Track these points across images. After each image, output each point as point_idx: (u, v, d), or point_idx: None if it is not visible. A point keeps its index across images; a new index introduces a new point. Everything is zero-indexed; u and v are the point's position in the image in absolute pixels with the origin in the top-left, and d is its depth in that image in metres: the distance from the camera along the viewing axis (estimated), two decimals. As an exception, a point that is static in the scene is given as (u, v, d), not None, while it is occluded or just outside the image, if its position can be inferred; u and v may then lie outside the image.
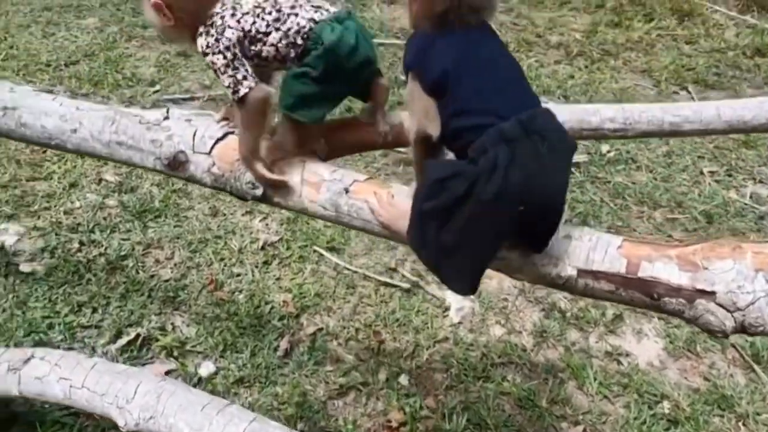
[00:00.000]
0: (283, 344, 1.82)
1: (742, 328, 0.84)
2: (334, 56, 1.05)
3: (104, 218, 2.18)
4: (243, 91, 1.05)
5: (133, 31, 3.26)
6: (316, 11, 1.08)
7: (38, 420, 1.51)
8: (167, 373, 1.69)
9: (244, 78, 1.06)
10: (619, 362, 1.83)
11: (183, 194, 2.30)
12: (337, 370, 1.74)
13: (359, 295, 2.01)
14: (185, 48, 2.84)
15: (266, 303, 1.94)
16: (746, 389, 1.76)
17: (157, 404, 1.08)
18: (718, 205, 2.48)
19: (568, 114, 1.12)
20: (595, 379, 1.76)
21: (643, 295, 0.86)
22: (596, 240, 0.90)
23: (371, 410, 1.66)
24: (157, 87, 2.86)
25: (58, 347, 1.75)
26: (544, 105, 0.96)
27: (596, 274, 0.87)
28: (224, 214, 2.26)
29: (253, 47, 1.08)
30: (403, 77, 1.18)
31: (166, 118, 1.12)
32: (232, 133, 1.10)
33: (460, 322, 1.94)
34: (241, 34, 1.07)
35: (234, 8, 1.08)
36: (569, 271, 0.88)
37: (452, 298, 2.00)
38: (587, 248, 0.89)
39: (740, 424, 1.68)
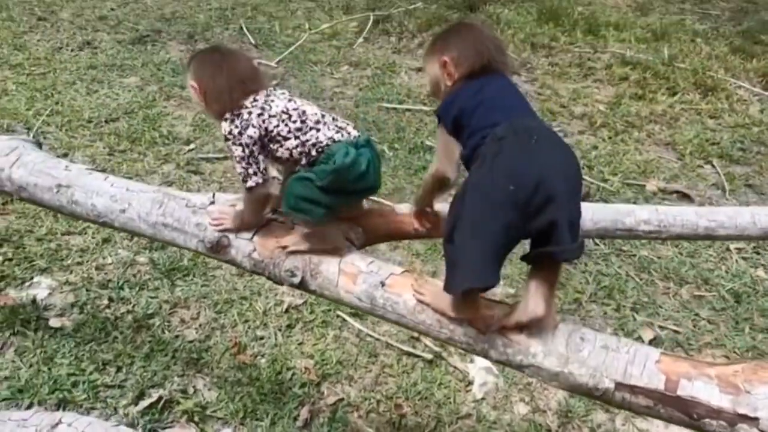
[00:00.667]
0: (304, 413, 1.80)
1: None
2: (342, 177, 1.12)
3: (134, 275, 2.22)
4: (250, 183, 1.15)
5: (171, 90, 3.40)
6: (337, 132, 1.15)
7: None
8: (188, 439, 1.69)
9: (255, 173, 1.14)
10: (647, 449, 1.78)
11: (189, 251, 2.35)
12: (357, 444, 1.72)
13: (381, 364, 2.00)
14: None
15: (288, 369, 1.94)
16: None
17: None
18: (746, 284, 2.45)
19: (602, 214, 1.14)
20: (622, 467, 1.71)
21: (682, 414, 0.85)
22: (634, 352, 0.90)
23: (391, 489, 1.62)
24: (192, 146, 2.96)
25: (81, 406, 1.76)
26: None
27: (634, 389, 0.87)
28: (251, 275, 2.29)
29: (270, 145, 1.15)
30: (428, 142, 1.30)
31: (212, 202, 1.17)
32: (275, 220, 1.14)
33: (483, 398, 1.92)
34: (263, 133, 1.14)
35: (263, 108, 1.15)
36: (606, 383, 0.88)
37: (476, 373, 1.97)
38: (625, 361, 0.89)
39: None
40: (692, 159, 3.22)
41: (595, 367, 0.89)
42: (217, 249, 1.11)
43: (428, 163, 2.64)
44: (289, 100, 1.18)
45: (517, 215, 0.97)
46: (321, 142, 1.13)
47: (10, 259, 2.23)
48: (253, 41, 4.07)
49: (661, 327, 2.24)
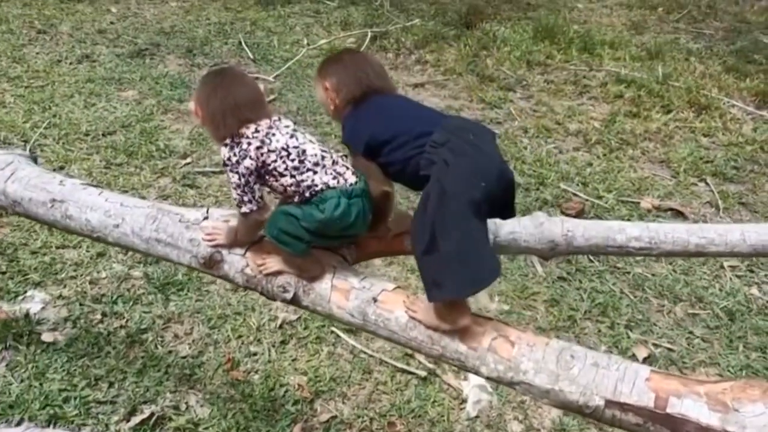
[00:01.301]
0: (296, 431, 1.79)
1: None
2: (329, 227, 1.12)
3: (128, 290, 2.21)
4: (244, 210, 1.16)
5: (169, 104, 3.42)
6: (334, 178, 1.14)
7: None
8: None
9: (249, 201, 1.15)
10: (641, 469, 1.77)
11: (182, 266, 2.34)
12: (350, 463, 1.71)
13: (375, 381, 1.99)
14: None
15: (281, 385, 1.93)
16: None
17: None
18: (740, 302, 2.46)
19: (594, 230, 1.15)
20: (616, 487, 1.70)
21: (671, 432, 0.85)
22: (624, 370, 0.91)
23: None
24: (189, 159, 2.97)
25: (72, 422, 1.75)
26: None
27: (624, 406, 0.87)
28: (245, 290, 2.28)
29: (266, 176, 1.16)
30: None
31: (206, 218, 1.17)
32: (265, 236, 1.14)
33: (477, 416, 1.91)
34: (260, 165, 1.14)
35: (263, 142, 1.14)
36: (597, 401, 0.88)
37: (470, 390, 1.97)
38: (615, 378, 0.89)
39: None
40: (686, 177, 3.25)
41: (585, 384, 0.89)
42: (210, 264, 1.11)
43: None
44: (291, 136, 1.16)
45: (488, 206, 1.07)
46: (316, 186, 1.12)
47: (4, 272, 2.23)
48: (251, 56, 4.11)
49: (655, 345, 2.24)
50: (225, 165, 1.15)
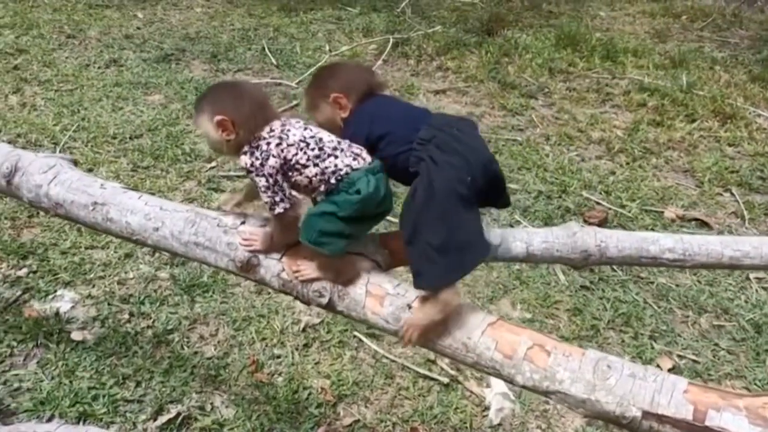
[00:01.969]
0: (320, 434, 1.81)
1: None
2: (367, 206, 1.15)
3: (155, 290, 2.25)
4: (278, 210, 1.16)
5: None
6: (354, 159, 1.17)
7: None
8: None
9: (282, 200, 1.16)
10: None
11: (218, 269, 2.37)
12: (374, 467, 1.72)
13: (397, 386, 2.00)
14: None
15: (304, 388, 1.95)
16: None
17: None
18: (767, 315, 2.43)
19: (627, 241, 1.15)
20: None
21: (710, 445, 0.85)
22: (661, 381, 0.90)
23: None
24: (213, 163, 3.01)
25: (101, 420, 1.78)
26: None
27: (661, 418, 0.87)
28: (268, 293, 2.31)
29: (289, 173, 1.17)
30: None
31: (243, 222, 1.20)
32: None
33: (499, 424, 1.91)
34: (283, 162, 1.16)
35: (281, 138, 1.17)
36: (634, 411, 0.88)
37: (492, 398, 1.97)
38: (652, 389, 0.89)
39: None
40: (711, 186, 3.21)
41: (622, 395, 0.89)
42: (247, 268, 1.13)
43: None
44: (305, 129, 1.19)
45: (478, 196, 1.13)
46: (340, 170, 1.14)
47: (35, 272, 2.28)
48: (274, 62, 4.15)
49: (679, 356, 2.22)
50: (249, 172, 1.16)
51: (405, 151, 1.15)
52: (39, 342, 1.99)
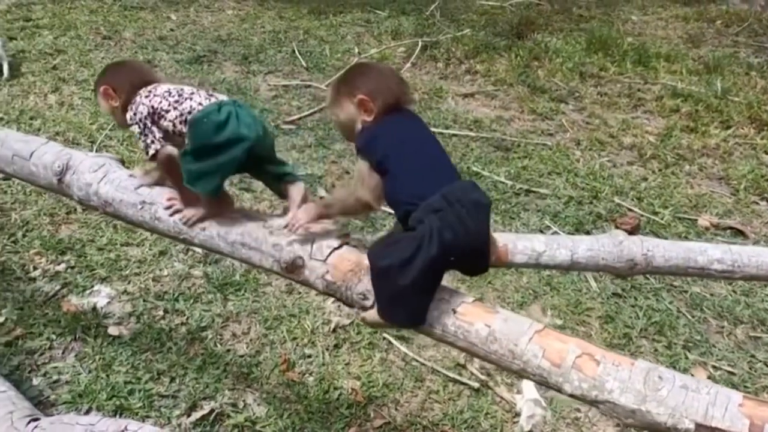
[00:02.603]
0: (351, 435, 1.81)
1: None
2: (199, 130, 1.25)
3: (189, 288, 2.28)
4: (151, 151, 1.32)
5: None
6: (206, 98, 1.31)
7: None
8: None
9: (152, 142, 1.32)
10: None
11: (262, 269, 2.40)
12: (404, 470, 1.72)
13: (427, 389, 2.00)
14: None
15: (335, 389, 1.96)
16: None
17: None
18: (806, 327, 2.37)
19: (674, 251, 1.14)
20: None
21: (767, 461, 0.83)
22: (715, 394, 0.89)
23: None
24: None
25: (137, 414, 1.81)
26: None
27: (715, 431, 0.86)
28: (299, 293, 2.33)
29: (160, 121, 1.32)
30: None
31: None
32: (347, 243, 1.17)
33: (530, 430, 1.89)
34: (151, 109, 1.33)
35: (150, 92, 1.36)
36: (687, 424, 0.87)
37: (523, 404, 1.95)
38: (706, 402, 0.88)
39: None
40: (746, 195, 3.15)
41: (674, 406, 0.88)
42: (292, 269, 1.14)
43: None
44: (173, 86, 1.36)
45: (446, 269, 1.16)
46: (194, 109, 1.27)
47: (73, 267, 2.33)
48: (304, 64, 4.19)
49: (714, 367, 2.18)
50: (129, 125, 1.33)
51: (409, 203, 1.17)
52: (77, 336, 2.03)
